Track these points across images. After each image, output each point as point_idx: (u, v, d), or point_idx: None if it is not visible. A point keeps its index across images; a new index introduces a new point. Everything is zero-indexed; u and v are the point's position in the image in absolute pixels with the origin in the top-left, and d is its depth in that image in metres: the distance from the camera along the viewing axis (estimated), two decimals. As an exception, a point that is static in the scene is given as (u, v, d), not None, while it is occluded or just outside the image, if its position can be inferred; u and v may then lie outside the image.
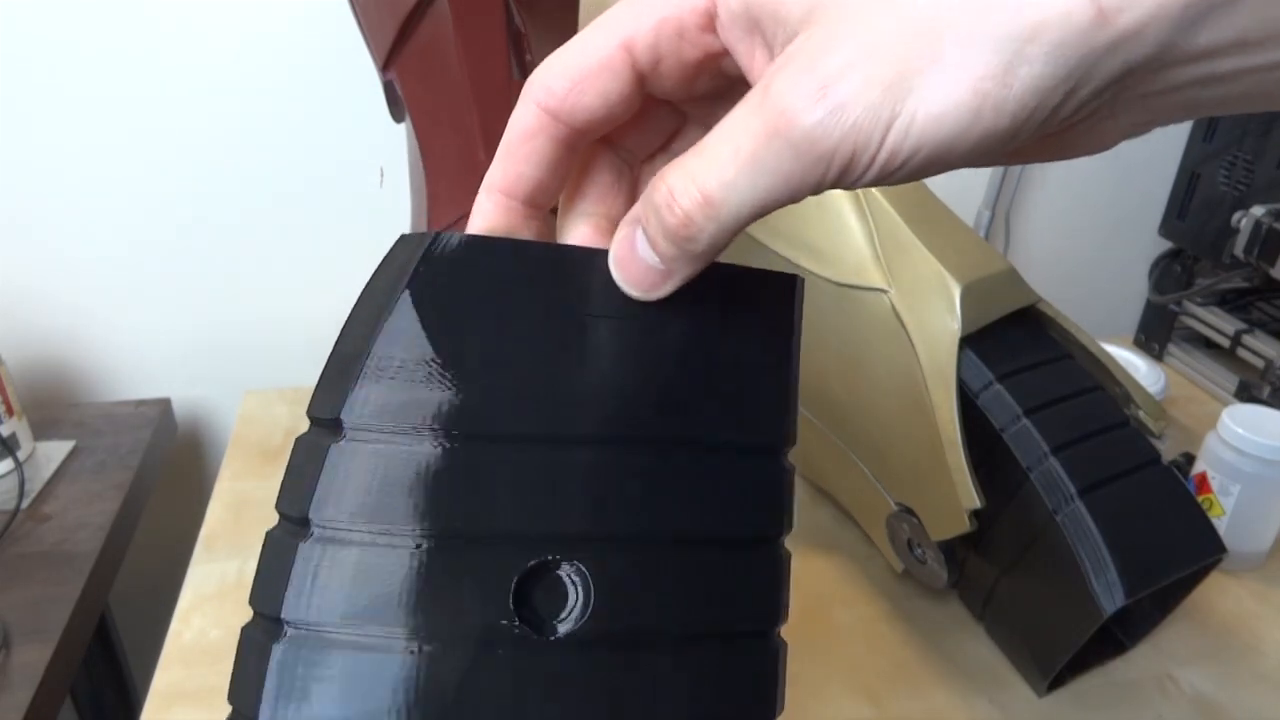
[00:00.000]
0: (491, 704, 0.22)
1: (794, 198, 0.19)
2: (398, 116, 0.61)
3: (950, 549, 0.53)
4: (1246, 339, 0.81)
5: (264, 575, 0.24)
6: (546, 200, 0.24)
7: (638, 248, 0.22)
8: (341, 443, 0.22)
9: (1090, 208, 0.95)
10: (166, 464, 0.79)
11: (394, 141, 0.75)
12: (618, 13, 0.22)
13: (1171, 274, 0.91)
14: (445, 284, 0.22)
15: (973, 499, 0.48)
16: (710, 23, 0.21)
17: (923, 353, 0.51)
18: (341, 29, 0.71)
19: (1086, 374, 0.53)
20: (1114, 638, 0.55)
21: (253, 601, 0.24)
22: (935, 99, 0.17)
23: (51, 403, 0.80)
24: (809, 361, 0.58)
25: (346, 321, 0.24)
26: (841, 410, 0.58)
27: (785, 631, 0.25)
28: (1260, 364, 0.80)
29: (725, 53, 0.22)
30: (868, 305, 0.53)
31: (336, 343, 0.24)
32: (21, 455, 0.68)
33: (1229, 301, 0.87)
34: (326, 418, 0.23)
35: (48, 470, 0.69)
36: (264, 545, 0.24)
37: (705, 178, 0.19)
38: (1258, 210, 0.78)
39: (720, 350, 0.24)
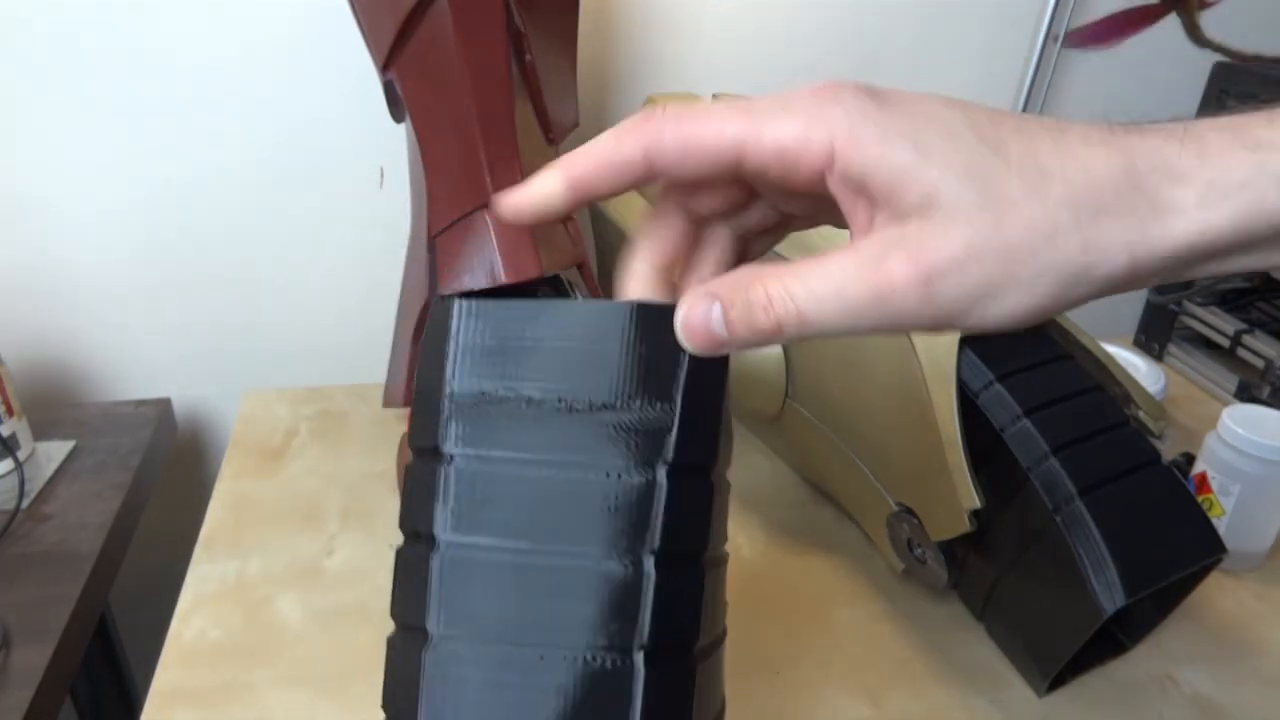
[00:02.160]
0: None
1: (861, 333, 0.24)
2: (398, 116, 0.61)
3: (950, 549, 0.53)
4: (1246, 339, 0.81)
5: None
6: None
7: (712, 320, 0.25)
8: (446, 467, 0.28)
9: (1090, 208, 0.95)
10: (166, 464, 0.79)
11: (394, 141, 0.75)
12: (746, 125, 0.24)
13: (1171, 274, 0.91)
14: (477, 336, 0.28)
15: (973, 499, 0.48)
16: (826, 168, 0.24)
17: (923, 353, 0.51)
18: (341, 29, 0.71)
19: (1086, 374, 0.53)
20: (1114, 638, 0.55)
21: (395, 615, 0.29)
22: (1004, 310, 0.23)
23: (51, 403, 0.80)
24: (809, 361, 0.58)
25: (419, 370, 0.30)
26: (841, 410, 0.58)
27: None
28: (1260, 364, 0.80)
29: (825, 188, 0.25)
30: (868, 305, 0.53)
31: (416, 385, 0.30)
32: (21, 455, 0.68)
33: (1229, 301, 0.87)
34: (428, 446, 0.29)
35: (48, 470, 0.69)
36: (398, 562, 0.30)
37: (806, 304, 0.24)
38: (1258, 210, 0.78)
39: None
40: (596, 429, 0.27)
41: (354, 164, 0.78)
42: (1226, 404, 0.76)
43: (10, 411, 0.67)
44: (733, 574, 0.60)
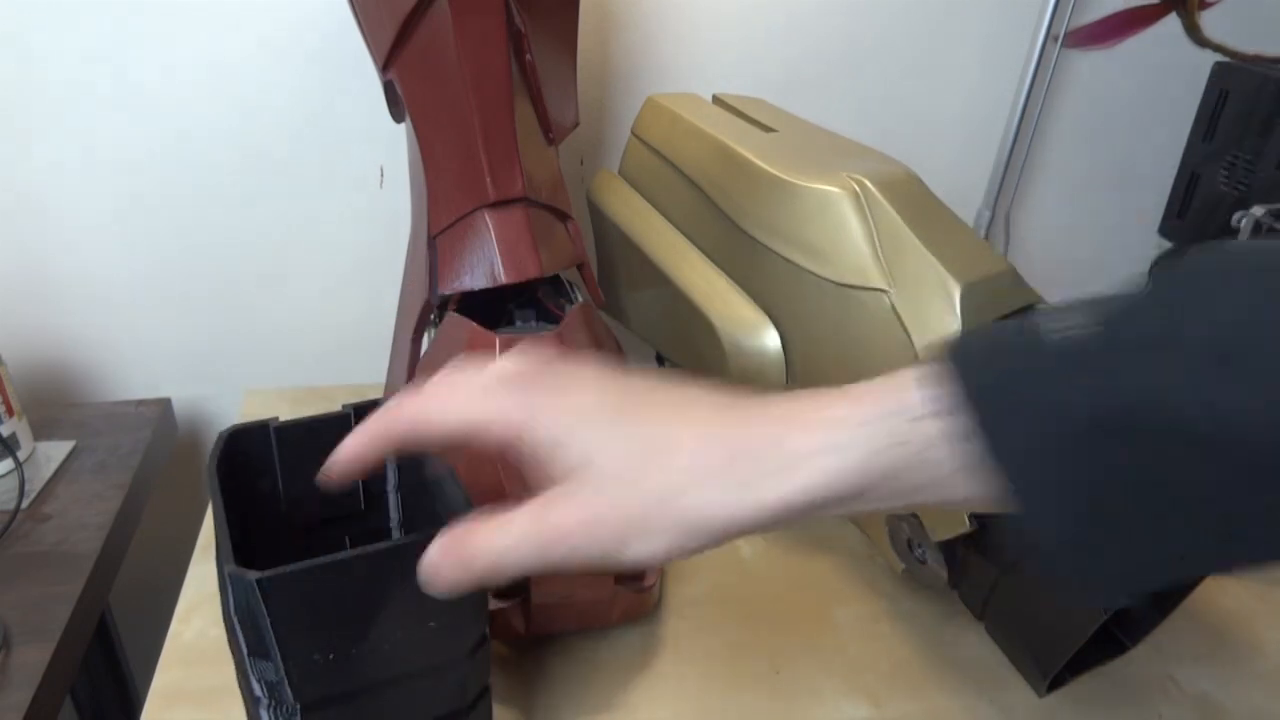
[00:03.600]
0: None
1: (552, 570, 0.30)
2: (398, 116, 0.61)
3: (950, 549, 0.53)
4: (1246, 339, 0.81)
5: None
6: None
7: (442, 571, 0.30)
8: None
9: (1090, 208, 0.95)
10: (166, 464, 0.79)
11: (394, 141, 0.75)
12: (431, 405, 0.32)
13: (1171, 274, 0.91)
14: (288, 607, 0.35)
15: (973, 499, 0.48)
16: (512, 441, 0.31)
17: (922, 353, 0.51)
18: (341, 29, 0.71)
19: (1086, 374, 0.53)
20: (1114, 638, 0.55)
21: None
22: (647, 550, 0.29)
23: (51, 403, 0.80)
24: (809, 361, 0.58)
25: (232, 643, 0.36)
26: (841, 410, 0.57)
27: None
28: (1260, 364, 0.79)
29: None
30: (868, 305, 0.53)
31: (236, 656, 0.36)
32: (21, 455, 0.68)
33: (1229, 301, 0.86)
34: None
35: (48, 470, 0.69)
36: None
37: (495, 553, 0.30)
38: (1258, 210, 0.78)
39: None
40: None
41: (354, 164, 0.78)
42: (1226, 404, 0.76)
43: (10, 411, 0.67)
44: (733, 574, 0.61)
